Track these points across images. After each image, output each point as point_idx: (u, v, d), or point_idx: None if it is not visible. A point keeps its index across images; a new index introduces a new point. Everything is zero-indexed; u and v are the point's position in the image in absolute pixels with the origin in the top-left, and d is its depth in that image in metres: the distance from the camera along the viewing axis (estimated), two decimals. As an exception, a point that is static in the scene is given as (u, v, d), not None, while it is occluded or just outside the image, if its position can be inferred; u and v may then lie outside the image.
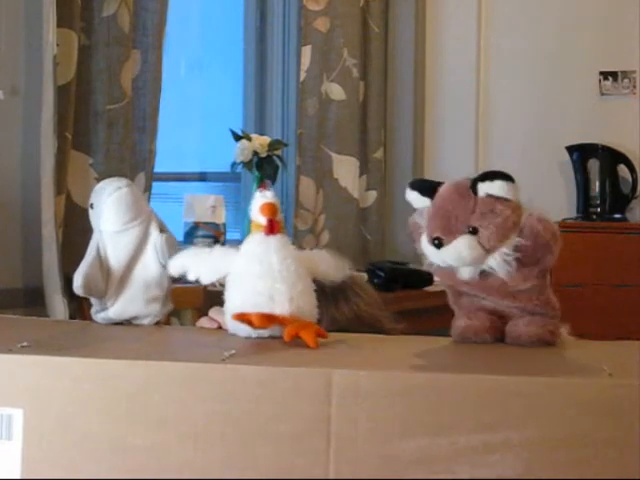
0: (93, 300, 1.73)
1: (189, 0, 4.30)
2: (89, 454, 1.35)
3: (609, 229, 4.20)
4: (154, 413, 1.34)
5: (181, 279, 1.72)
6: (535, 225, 1.52)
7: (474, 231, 1.49)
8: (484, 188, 1.50)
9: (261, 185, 1.71)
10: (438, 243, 1.50)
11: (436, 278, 1.64)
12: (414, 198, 1.59)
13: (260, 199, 1.65)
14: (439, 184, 1.57)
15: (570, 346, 1.59)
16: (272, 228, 1.63)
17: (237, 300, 1.59)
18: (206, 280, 1.66)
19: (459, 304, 1.59)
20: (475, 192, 1.51)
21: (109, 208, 1.71)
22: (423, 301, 3.05)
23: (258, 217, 1.65)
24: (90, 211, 1.75)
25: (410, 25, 4.62)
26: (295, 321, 1.53)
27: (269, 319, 1.52)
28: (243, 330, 1.56)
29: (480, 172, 1.54)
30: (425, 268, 1.60)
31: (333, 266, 1.69)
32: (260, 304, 1.56)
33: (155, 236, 1.73)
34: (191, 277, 1.67)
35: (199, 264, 1.66)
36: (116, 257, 1.72)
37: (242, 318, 1.53)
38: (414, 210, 1.63)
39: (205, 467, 1.33)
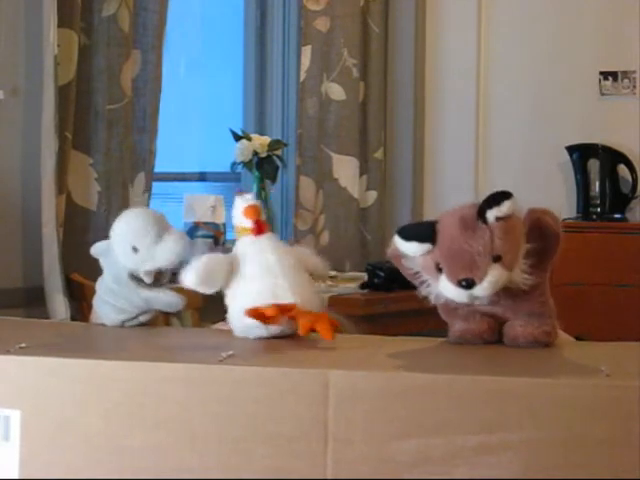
0: (119, 309, 1.75)
1: (189, 0, 4.30)
2: (87, 455, 1.36)
3: (609, 229, 4.19)
4: (151, 414, 1.35)
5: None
6: (543, 219, 1.53)
7: (498, 259, 1.49)
8: (494, 214, 1.49)
9: (237, 191, 1.72)
10: (468, 284, 1.48)
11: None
12: (412, 247, 1.52)
13: (241, 203, 1.67)
14: (433, 224, 1.54)
15: (568, 347, 1.59)
16: (260, 228, 1.64)
17: (241, 302, 1.58)
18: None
19: (454, 314, 1.58)
20: (484, 221, 1.50)
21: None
22: (422, 301, 3.03)
23: (243, 221, 1.66)
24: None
25: (410, 25, 4.62)
26: (307, 313, 1.53)
27: (282, 310, 1.52)
28: (253, 332, 1.56)
29: (482, 199, 1.52)
30: (434, 303, 1.58)
31: (319, 261, 1.69)
32: (264, 302, 1.56)
33: None
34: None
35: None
36: None
37: (255, 313, 1.52)
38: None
39: (202, 468, 1.33)
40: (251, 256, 1.61)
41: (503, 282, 1.49)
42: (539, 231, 1.52)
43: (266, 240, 1.63)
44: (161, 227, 1.73)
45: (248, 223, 1.64)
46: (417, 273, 1.56)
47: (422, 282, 1.55)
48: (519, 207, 1.52)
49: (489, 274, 1.47)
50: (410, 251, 1.53)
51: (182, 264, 1.64)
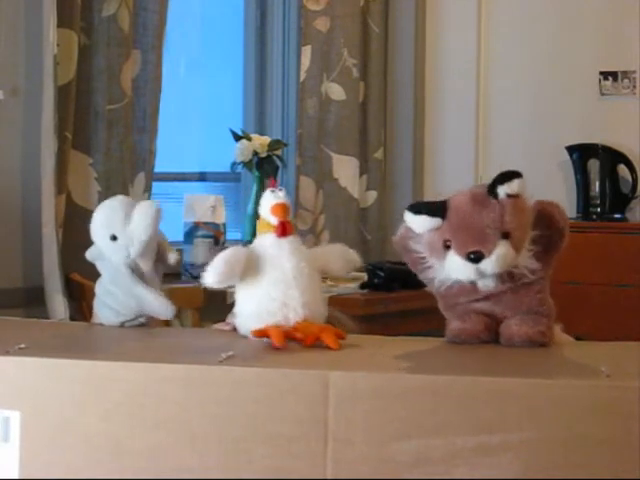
0: (118, 311, 1.76)
1: (189, 0, 4.30)
2: (86, 456, 1.36)
3: (609, 229, 4.19)
4: (151, 415, 1.35)
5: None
6: (549, 210, 1.54)
7: (506, 235, 1.50)
8: (504, 190, 1.50)
9: (271, 183, 1.68)
10: (477, 257, 1.49)
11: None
12: (421, 221, 1.53)
13: (272, 199, 1.62)
14: (445, 202, 1.55)
15: (568, 347, 1.59)
16: (284, 230, 1.61)
17: (251, 305, 1.58)
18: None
19: (452, 310, 1.59)
20: (495, 196, 1.51)
21: None
22: (422, 301, 3.03)
23: (269, 217, 1.62)
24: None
25: (410, 25, 4.62)
26: (311, 327, 1.53)
27: (288, 335, 1.52)
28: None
29: (492, 177, 1.54)
30: (434, 291, 1.59)
31: (340, 262, 1.67)
32: (273, 310, 1.55)
33: None
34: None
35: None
36: None
37: (262, 335, 1.52)
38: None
39: (202, 468, 1.33)
40: (269, 258, 1.58)
41: (510, 261, 1.49)
42: (544, 221, 1.53)
43: (287, 244, 1.60)
44: (127, 207, 1.75)
45: (274, 221, 1.61)
46: (423, 258, 1.56)
47: (427, 268, 1.56)
48: (528, 194, 1.54)
49: (498, 248, 1.48)
50: (420, 225, 1.54)
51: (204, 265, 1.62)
